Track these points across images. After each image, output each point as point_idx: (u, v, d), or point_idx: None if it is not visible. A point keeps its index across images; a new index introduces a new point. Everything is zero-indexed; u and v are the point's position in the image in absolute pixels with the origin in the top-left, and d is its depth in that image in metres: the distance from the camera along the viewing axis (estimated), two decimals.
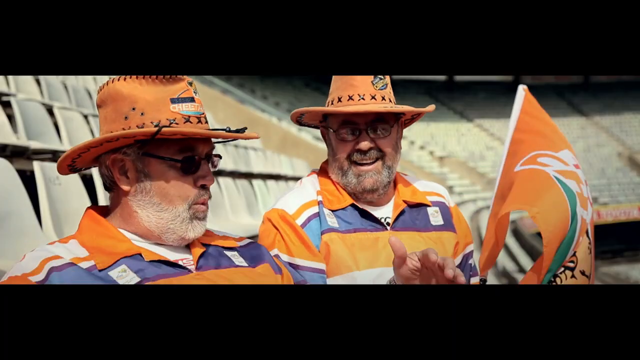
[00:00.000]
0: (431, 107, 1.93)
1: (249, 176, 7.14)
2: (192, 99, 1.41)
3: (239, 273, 1.46)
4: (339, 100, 1.80)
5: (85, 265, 1.33)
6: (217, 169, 1.49)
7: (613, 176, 27.59)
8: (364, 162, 1.80)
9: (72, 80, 7.09)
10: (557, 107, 32.69)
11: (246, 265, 1.51)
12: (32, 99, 5.04)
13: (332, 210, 1.82)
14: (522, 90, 2.32)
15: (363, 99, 1.79)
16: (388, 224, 1.84)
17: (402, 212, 1.86)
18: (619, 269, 21.76)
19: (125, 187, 1.41)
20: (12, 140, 3.94)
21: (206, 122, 1.43)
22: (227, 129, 1.44)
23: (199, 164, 1.42)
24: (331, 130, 1.84)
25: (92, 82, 7.95)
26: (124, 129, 1.37)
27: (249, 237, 1.64)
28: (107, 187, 1.46)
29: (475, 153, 27.61)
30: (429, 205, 1.92)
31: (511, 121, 2.30)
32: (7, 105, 4.49)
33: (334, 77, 1.87)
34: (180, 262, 1.42)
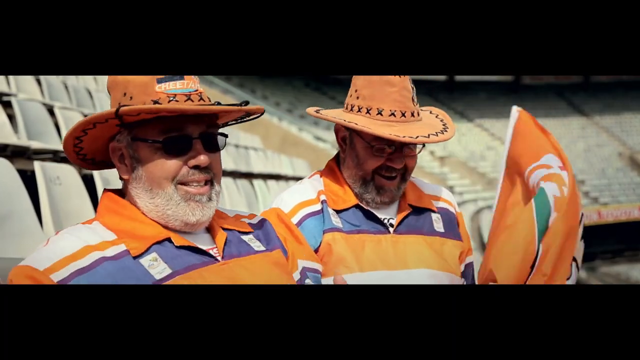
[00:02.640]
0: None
1: (249, 176, 7.14)
2: (181, 77, 1.36)
3: (260, 259, 1.45)
4: (379, 112, 1.75)
5: (115, 250, 1.31)
6: (221, 149, 1.42)
7: (613, 176, 27.55)
8: (390, 177, 1.79)
9: (72, 80, 7.09)
10: (557, 107, 32.65)
11: (264, 249, 1.50)
12: (32, 99, 5.05)
13: (336, 211, 1.81)
14: (515, 112, 2.33)
15: (405, 116, 1.75)
16: (391, 225, 1.83)
17: (406, 216, 1.85)
18: (620, 269, 21.75)
19: (125, 176, 1.39)
20: (12, 140, 3.95)
21: (201, 99, 1.37)
22: (216, 103, 1.37)
23: (187, 144, 1.36)
24: (359, 137, 1.79)
25: (92, 82, 7.96)
26: None
27: None
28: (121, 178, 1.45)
29: (476, 153, 27.59)
30: (434, 211, 1.91)
31: (505, 145, 2.34)
32: (7, 105, 4.49)
33: (360, 77, 1.80)
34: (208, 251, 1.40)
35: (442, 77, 31.47)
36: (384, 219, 1.83)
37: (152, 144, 1.34)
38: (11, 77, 5.43)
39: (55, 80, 6.32)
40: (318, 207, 1.79)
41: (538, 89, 33.58)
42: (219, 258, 1.40)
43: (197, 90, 1.37)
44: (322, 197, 1.81)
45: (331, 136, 21.68)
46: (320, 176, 1.90)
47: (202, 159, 1.36)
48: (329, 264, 1.74)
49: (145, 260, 1.32)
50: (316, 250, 1.74)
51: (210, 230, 1.46)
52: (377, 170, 1.78)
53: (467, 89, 32.60)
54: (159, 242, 1.35)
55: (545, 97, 33.11)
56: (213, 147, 1.40)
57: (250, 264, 1.43)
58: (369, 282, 1.73)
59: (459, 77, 32.20)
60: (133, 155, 1.37)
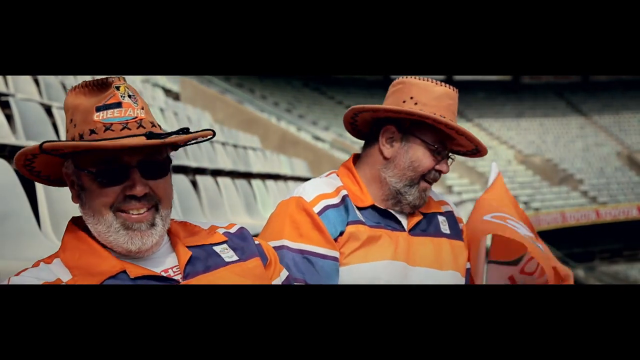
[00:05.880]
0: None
1: (247, 176, 7.13)
2: (118, 104, 1.33)
3: (228, 272, 1.45)
4: (442, 118, 1.84)
5: None
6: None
7: (612, 175, 27.56)
8: (432, 181, 1.90)
9: (70, 80, 7.08)
10: (556, 106, 32.69)
11: (237, 259, 1.50)
12: (30, 99, 5.04)
13: (357, 208, 1.88)
14: (495, 169, 2.40)
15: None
16: (404, 227, 1.92)
17: (418, 222, 1.94)
18: (618, 269, 21.77)
19: (75, 201, 1.40)
20: (10, 140, 3.94)
21: (140, 127, 1.33)
22: (148, 134, 1.32)
23: (122, 173, 1.33)
24: (419, 138, 1.87)
25: None
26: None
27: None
28: None
29: None
30: (440, 213, 2.02)
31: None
32: (5, 106, 4.48)
33: (413, 85, 1.86)
34: (166, 274, 1.39)
35: (441, 77, 31.50)
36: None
37: (87, 173, 1.34)
38: (9, 77, 5.42)
39: (53, 80, 6.31)
40: (336, 200, 1.86)
41: (537, 89, 33.60)
42: (179, 278, 1.40)
43: (135, 118, 1.34)
44: (344, 192, 1.88)
45: (330, 136, 21.68)
46: (337, 176, 1.96)
47: (138, 189, 1.34)
48: (354, 252, 1.82)
49: None
50: (335, 240, 1.82)
51: (175, 249, 1.45)
52: (427, 173, 1.88)
53: (466, 88, 32.60)
54: (113, 277, 1.34)
55: (544, 96, 33.14)
56: (154, 175, 1.37)
57: (215, 279, 1.42)
58: (386, 269, 1.81)
59: (458, 77, 32.22)
60: (77, 183, 1.38)
